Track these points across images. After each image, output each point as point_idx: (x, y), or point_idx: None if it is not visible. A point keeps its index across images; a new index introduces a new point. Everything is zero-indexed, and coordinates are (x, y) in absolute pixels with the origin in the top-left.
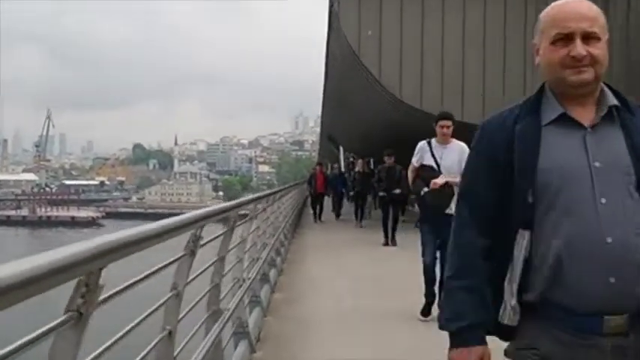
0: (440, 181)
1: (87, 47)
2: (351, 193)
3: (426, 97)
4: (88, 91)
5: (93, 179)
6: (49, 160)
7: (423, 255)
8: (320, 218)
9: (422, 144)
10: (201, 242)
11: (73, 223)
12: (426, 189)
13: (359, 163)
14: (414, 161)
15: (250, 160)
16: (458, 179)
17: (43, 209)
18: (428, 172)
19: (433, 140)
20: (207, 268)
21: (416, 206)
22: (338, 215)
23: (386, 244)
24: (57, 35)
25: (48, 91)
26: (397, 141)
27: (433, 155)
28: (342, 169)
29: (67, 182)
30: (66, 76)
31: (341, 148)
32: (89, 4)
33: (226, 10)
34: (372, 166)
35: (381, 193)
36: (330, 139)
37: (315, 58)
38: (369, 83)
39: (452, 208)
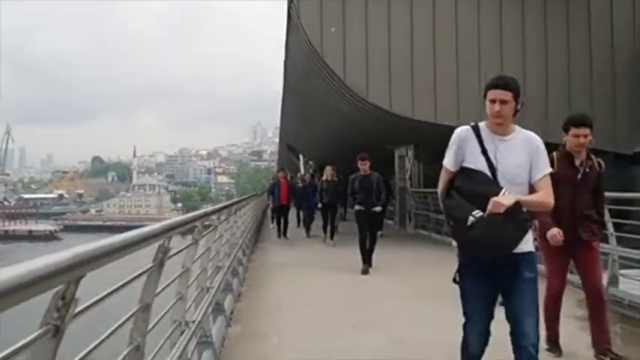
0: (506, 201)
1: (45, 62)
2: (319, 205)
3: (396, 99)
4: (48, 105)
5: (51, 192)
6: (8, 174)
7: (465, 330)
8: (285, 234)
9: (463, 130)
10: (169, 254)
11: (31, 237)
12: (477, 214)
13: (327, 171)
14: (447, 161)
15: (209, 171)
16: (533, 198)
17: (1, 223)
18: (476, 183)
19: (482, 124)
20: (175, 279)
21: (453, 243)
22: (308, 230)
23: (366, 271)
24: (15, 50)
25: (8, 105)
26: (365, 148)
27: (485, 151)
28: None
29: (26, 196)
30: (25, 90)
31: (301, 157)
32: (47, 19)
33: (182, 21)
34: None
35: (356, 207)
36: (290, 147)
37: (273, 68)
38: (332, 85)
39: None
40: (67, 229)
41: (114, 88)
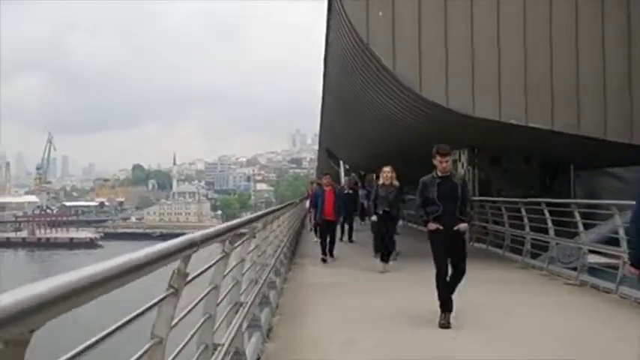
0: None
1: (87, 71)
2: (374, 218)
3: (454, 94)
4: (89, 113)
5: (93, 200)
6: (50, 182)
7: None
8: (332, 253)
9: None
10: (189, 278)
11: (72, 244)
12: None
13: (385, 173)
14: None
15: (248, 179)
16: None
17: (43, 231)
18: None
19: None
20: (198, 302)
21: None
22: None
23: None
24: (57, 59)
25: (50, 114)
26: (411, 154)
27: None
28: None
29: (67, 204)
30: (67, 98)
31: (341, 164)
32: (88, 30)
33: (222, 28)
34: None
35: (432, 226)
36: (330, 153)
37: (313, 72)
38: (379, 79)
39: None
40: (108, 236)
41: (155, 94)
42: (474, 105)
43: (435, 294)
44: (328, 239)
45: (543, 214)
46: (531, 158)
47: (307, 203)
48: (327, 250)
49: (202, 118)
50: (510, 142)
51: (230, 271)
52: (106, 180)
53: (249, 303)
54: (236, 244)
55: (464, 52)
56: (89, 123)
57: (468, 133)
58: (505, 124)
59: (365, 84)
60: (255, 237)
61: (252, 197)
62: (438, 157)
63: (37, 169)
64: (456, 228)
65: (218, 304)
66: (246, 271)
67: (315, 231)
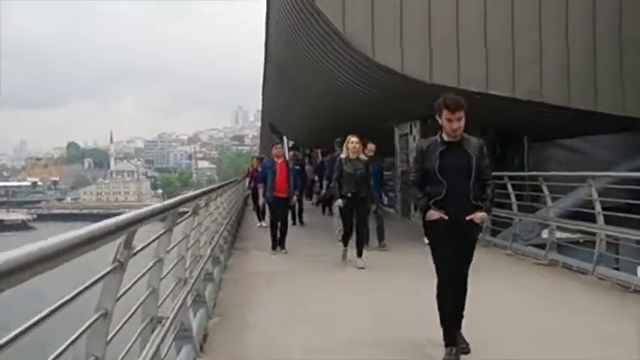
0: None
1: (20, 45)
2: (339, 203)
3: (409, 59)
4: (22, 89)
5: (25, 180)
6: None
7: None
8: (283, 244)
9: None
10: (134, 250)
11: (2, 226)
12: None
13: (352, 144)
14: None
15: (190, 157)
16: None
17: None
18: None
19: None
20: (142, 276)
21: None
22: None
23: None
24: None
25: None
26: (359, 127)
27: None
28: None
29: None
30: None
31: (285, 139)
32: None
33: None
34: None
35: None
36: (273, 128)
37: (255, 50)
38: (326, 44)
39: None
40: (41, 218)
41: (91, 71)
42: (431, 71)
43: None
44: (279, 224)
45: (504, 188)
46: (487, 129)
47: (247, 182)
48: (278, 240)
49: (142, 95)
50: (467, 111)
51: (174, 247)
52: (38, 159)
53: (194, 279)
54: (179, 221)
55: (419, 14)
56: (22, 99)
57: (423, 104)
58: (464, 91)
59: (311, 52)
60: (197, 214)
61: (194, 175)
62: (446, 113)
63: None
64: (468, 218)
65: (162, 279)
66: (190, 247)
67: (259, 213)
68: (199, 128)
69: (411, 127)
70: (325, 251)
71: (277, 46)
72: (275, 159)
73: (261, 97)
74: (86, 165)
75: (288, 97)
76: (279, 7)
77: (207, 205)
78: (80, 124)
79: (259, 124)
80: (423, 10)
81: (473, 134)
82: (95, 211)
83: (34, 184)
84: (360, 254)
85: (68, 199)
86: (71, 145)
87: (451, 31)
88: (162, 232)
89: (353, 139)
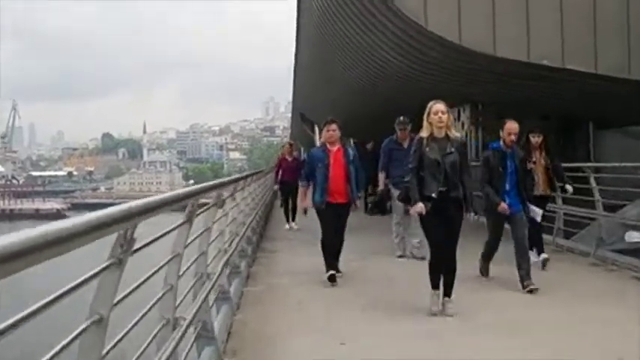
0: None
1: (55, 37)
2: (419, 209)
3: (468, 27)
4: (60, 81)
5: (61, 170)
6: (15, 152)
7: None
8: (336, 262)
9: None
10: (135, 246)
11: (38, 215)
12: None
13: (439, 115)
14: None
15: (221, 148)
16: None
17: (7, 202)
18: None
19: None
20: (152, 275)
21: None
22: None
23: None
24: (24, 24)
25: (17, 80)
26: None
27: None
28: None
29: (34, 173)
30: (37, 65)
31: (316, 130)
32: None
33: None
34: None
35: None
36: (304, 118)
37: (286, 41)
38: (367, 11)
39: None
40: (76, 207)
41: (126, 63)
42: (494, 42)
43: None
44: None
45: (586, 182)
46: (549, 115)
47: (274, 176)
48: (330, 260)
49: (174, 87)
50: (536, 93)
51: (193, 240)
52: (74, 149)
53: (217, 274)
54: (198, 212)
55: None
56: (59, 90)
57: (482, 83)
58: (534, 66)
59: (349, 27)
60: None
61: (225, 166)
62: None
63: (1, 137)
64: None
65: (180, 276)
66: (213, 241)
67: (288, 212)
68: (231, 120)
69: (459, 113)
70: (378, 268)
71: (311, 28)
72: (328, 146)
73: (292, 87)
74: (120, 155)
75: (322, 83)
76: None
77: (230, 198)
78: (116, 115)
79: (290, 115)
80: None
81: (533, 121)
82: (129, 201)
83: (70, 173)
84: (448, 292)
85: (102, 188)
86: (106, 136)
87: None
88: (178, 224)
89: (437, 107)
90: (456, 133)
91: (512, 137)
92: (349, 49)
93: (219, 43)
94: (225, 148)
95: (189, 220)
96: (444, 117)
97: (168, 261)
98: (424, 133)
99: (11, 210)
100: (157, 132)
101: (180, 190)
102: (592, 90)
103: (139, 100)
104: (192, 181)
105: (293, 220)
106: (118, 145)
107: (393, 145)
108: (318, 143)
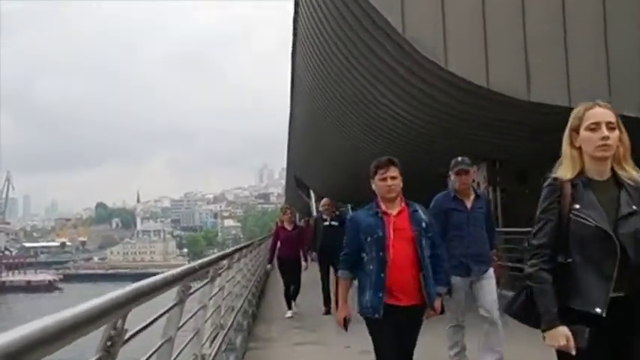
0: None
1: (49, 107)
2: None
3: (496, 69)
4: (54, 153)
5: (54, 241)
6: (9, 223)
7: None
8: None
9: None
10: (126, 336)
11: (29, 287)
12: None
13: None
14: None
15: (215, 215)
16: None
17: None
18: None
19: None
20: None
21: None
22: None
23: None
24: (18, 94)
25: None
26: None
27: None
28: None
29: (27, 244)
30: (31, 137)
31: (312, 195)
32: (50, 67)
33: (187, 64)
34: None
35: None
36: (299, 182)
37: (278, 107)
38: (377, 53)
39: None
40: (68, 278)
41: (118, 133)
42: (528, 85)
43: None
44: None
45: None
46: None
47: (270, 249)
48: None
49: (168, 155)
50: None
51: (187, 321)
52: (67, 220)
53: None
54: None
55: (508, 10)
56: (53, 161)
57: (510, 134)
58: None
59: (348, 73)
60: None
61: (220, 234)
62: None
63: None
64: None
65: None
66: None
67: (289, 296)
68: (225, 187)
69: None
70: None
71: (306, 80)
72: (383, 206)
73: (286, 151)
74: (114, 225)
75: (317, 143)
76: (310, 14)
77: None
78: (109, 184)
79: (284, 181)
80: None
81: None
82: (122, 271)
83: (63, 244)
84: None
85: (95, 259)
86: (100, 206)
87: (554, 27)
88: (170, 305)
89: (601, 113)
90: (632, 172)
91: None
92: (346, 98)
93: (212, 110)
94: (219, 215)
95: (180, 302)
96: (613, 138)
97: (160, 346)
98: (565, 172)
99: (3, 282)
100: (150, 200)
101: (168, 274)
102: None
103: (133, 169)
104: (186, 250)
105: (294, 303)
106: (111, 215)
107: (450, 204)
108: (314, 212)
